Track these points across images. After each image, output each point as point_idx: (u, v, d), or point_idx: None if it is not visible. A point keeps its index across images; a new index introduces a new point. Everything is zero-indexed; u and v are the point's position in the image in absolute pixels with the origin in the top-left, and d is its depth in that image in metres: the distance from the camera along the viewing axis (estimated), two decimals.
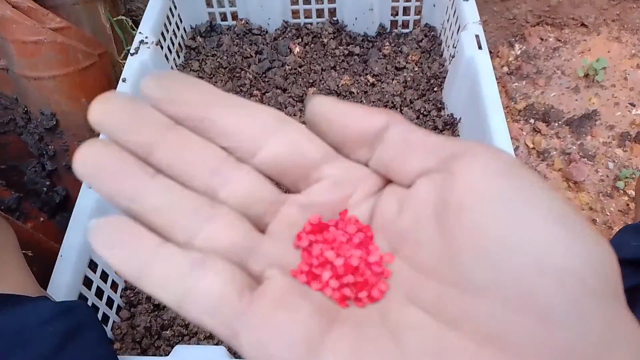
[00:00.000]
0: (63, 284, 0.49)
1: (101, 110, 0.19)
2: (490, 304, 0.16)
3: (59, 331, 0.39)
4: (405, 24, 0.86)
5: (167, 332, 0.58)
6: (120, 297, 0.60)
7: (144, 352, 0.57)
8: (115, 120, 0.19)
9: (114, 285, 0.59)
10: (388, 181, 0.21)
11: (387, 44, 0.83)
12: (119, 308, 0.59)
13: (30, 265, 0.47)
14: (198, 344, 0.56)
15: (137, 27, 0.72)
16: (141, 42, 0.70)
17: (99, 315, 0.55)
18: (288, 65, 0.80)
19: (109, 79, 0.83)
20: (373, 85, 0.78)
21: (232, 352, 0.47)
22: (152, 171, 0.19)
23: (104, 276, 0.57)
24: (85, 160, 0.18)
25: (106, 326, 0.57)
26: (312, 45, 0.83)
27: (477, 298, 0.16)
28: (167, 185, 0.19)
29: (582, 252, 0.15)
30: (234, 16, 0.86)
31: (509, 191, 0.17)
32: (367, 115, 0.20)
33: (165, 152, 0.19)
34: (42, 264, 0.56)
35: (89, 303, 0.53)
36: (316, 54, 0.82)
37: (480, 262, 0.16)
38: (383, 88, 0.77)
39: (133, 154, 0.19)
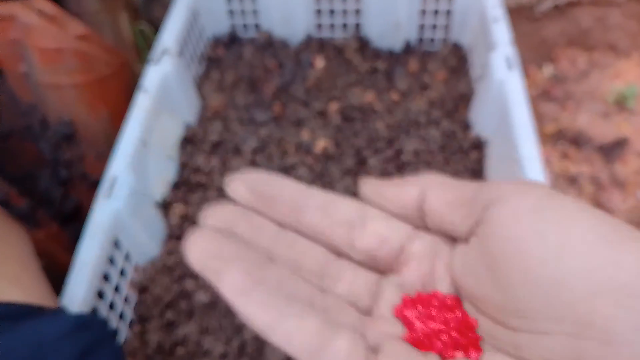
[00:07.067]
0: (77, 297, 0.48)
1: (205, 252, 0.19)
2: (552, 336, 0.16)
3: (76, 347, 0.37)
4: (432, 41, 0.84)
5: (180, 349, 0.56)
6: (133, 311, 0.58)
7: None
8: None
9: (126, 300, 0.58)
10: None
11: (414, 60, 0.82)
12: (131, 322, 0.58)
13: None
14: None
15: (158, 36, 0.71)
16: (162, 51, 0.69)
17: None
18: (310, 79, 0.79)
19: (129, 88, 0.82)
20: (397, 103, 0.77)
21: None
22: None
23: (116, 288, 0.55)
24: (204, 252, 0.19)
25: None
26: (336, 59, 0.82)
27: (540, 334, 0.17)
28: (285, 274, 0.20)
29: (633, 265, 0.15)
30: (257, 27, 0.85)
31: (543, 226, 0.17)
32: (400, 188, 0.22)
33: (280, 257, 0.21)
34: (53, 275, 0.54)
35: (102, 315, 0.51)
36: (339, 69, 0.81)
37: (536, 301, 0.17)
38: (408, 106, 0.75)
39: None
